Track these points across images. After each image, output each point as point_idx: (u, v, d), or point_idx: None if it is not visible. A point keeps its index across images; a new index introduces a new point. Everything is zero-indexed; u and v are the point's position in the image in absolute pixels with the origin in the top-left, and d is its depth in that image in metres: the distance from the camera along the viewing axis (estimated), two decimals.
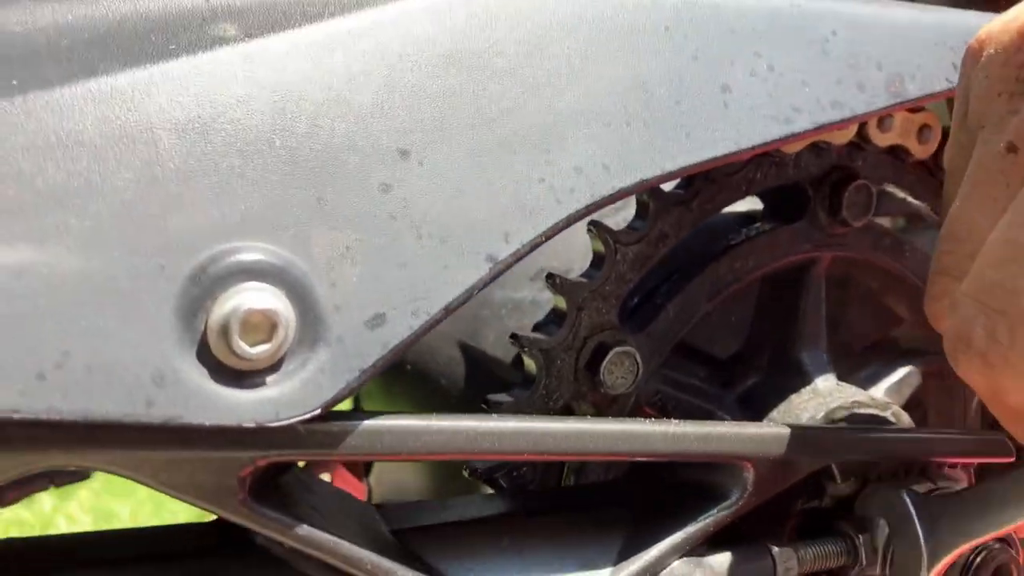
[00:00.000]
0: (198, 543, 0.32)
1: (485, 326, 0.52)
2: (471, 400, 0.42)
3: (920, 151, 0.47)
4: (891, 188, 0.49)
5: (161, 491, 0.27)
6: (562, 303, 0.40)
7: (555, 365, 0.40)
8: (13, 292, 0.24)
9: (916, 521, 0.38)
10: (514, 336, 0.40)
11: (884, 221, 0.58)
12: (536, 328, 0.42)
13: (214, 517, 0.32)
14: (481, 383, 0.50)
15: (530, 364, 0.40)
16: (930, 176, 0.49)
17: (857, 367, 0.51)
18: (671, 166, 0.34)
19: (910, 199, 0.50)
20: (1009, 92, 0.33)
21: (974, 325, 0.30)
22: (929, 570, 0.38)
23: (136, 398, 0.25)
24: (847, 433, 0.39)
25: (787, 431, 0.37)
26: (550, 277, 0.40)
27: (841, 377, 0.48)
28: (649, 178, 0.33)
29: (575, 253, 0.48)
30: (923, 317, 0.37)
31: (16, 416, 0.24)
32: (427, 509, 0.37)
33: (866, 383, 0.50)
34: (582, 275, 0.41)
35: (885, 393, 0.50)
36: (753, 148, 0.36)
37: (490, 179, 0.30)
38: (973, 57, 0.34)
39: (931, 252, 0.42)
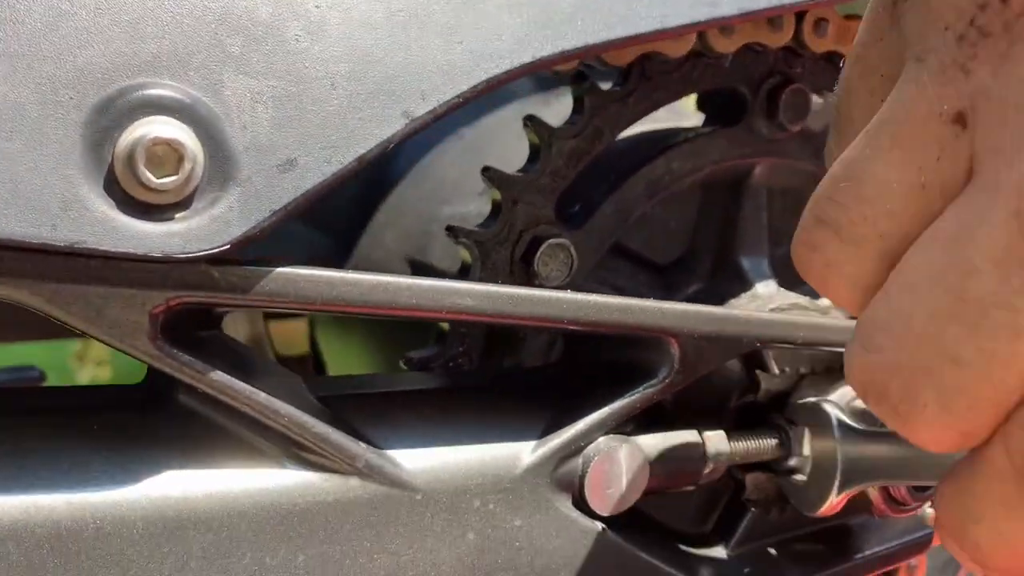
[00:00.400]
0: (120, 400, 0.32)
1: (433, 240, 0.52)
2: None
3: None
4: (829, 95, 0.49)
5: (72, 325, 0.27)
6: (497, 196, 0.41)
7: (490, 257, 0.41)
8: None
9: (838, 453, 0.39)
10: (449, 228, 0.41)
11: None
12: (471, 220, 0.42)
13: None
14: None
15: (465, 255, 0.41)
16: None
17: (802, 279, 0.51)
18: (593, 39, 0.34)
19: None
20: (958, 34, 0.24)
21: (887, 372, 0.25)
22: (837, 494, 0.39)
23: (42, 221, 0.25)
24: (775, 317, 0.40)
25: (715, 310, 0.38)
26: (487, 170, 0.41)
27: (784, 286, 0.49)
28: (570, 49, 0.34)
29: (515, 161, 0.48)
30: None
31: None
32: (353, 381, 0.37)
33: (811, 295, 0.51)
34: (519, 170, 0.42)
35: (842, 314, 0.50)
36: (678, 28, 0.36)
37: (408, 37, 0.31)
38: None
39: None
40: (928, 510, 0.43)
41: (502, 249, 0.41)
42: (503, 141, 0.56)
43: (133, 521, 0.29)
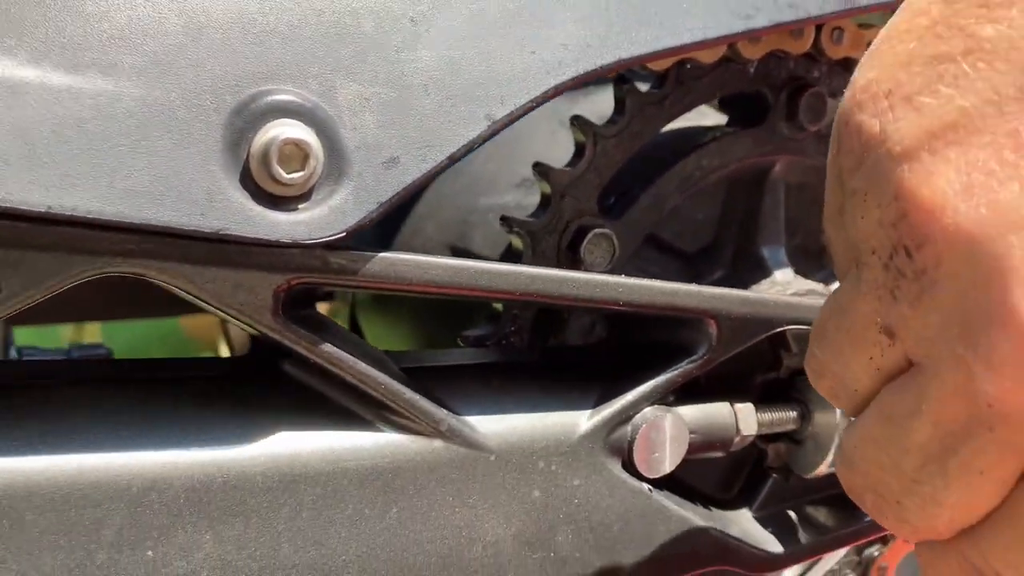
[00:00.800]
0: (233, 369, 0.36)
1: (473, 229, 0.56)
2: None
3: None
4: None
5: (206, 303, 0.31)
6: (547, 189, 0.45)
7: (540, 245, 0.45)
8: (90, 111, 0.28)
9: (838, 429, 0.43)
10: (504, 219, 0.45)
11: None
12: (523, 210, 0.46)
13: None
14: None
15: (517, 243, 0.45)
16: None
17: (815, 267, 0.56)
18: (645, 49, 0.38)
19: None
20: (883, 263, 0.27)
21: (862, 487, 0.31)
22: (829, 465, 0.44)
23: (192, 210, 0.29)
24: (798, 302, 0.44)
25: (748, 294, 0.42)
26: (538, 165, 0.45)
27: (800, 273, 0.53)
28: (626, 58, 0.38)
29: (559, 159, 0.52)
30: None
31: (91, 217, 0.28)
32: (429, 355, 0.41)
33: (824, 281, 0.55)
34: (566, 165, 0.46)
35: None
36: (717, 39, 0.40)
37: (489, 48, 0.35)
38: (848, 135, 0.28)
39: None
40: None
41: (550, 238, 0.45)
42: (534, 137, 0.60)
43: (254, 476, 0.33)
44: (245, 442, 0.33)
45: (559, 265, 0.45)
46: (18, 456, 0.30)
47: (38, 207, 0.27)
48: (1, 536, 0.29)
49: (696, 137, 0.50)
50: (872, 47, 0.28)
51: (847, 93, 0.28)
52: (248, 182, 0.30)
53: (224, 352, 0.85)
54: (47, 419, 0.31)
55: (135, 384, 0.34)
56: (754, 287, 0.51)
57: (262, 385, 0.35)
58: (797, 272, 0.53)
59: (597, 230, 0.45)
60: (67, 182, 0.27)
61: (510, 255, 0.46)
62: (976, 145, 0.25)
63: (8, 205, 0.27)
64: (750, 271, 0.52)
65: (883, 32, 0.28)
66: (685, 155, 0.49)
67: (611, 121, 0.46)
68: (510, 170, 0.45)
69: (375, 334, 0.63)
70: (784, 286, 0.51)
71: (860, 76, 0.28)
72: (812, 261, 0.56)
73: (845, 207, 0.29)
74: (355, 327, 0.66)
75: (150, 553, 0.31)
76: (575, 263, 0.45)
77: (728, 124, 0.52)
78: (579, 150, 0.46)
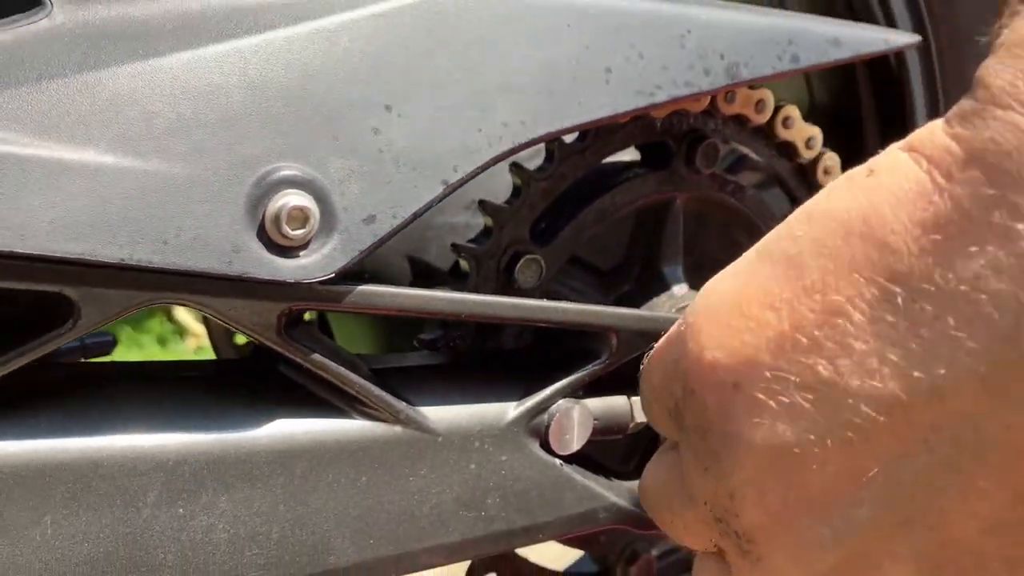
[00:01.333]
0: (238, 370, 0.46)
1: (429, 243, 0.67)
2: None
3: (757, 119, 0.63)
4: (739, 147, 0.65)
5: (228, 324, 0.41)
6: (489, 221, 0.55)
7: (482, 267, 0.55)
8: (151, 186, 0.38)
9: None
10: (454, 246, 0.55)
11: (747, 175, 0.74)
12: (470, 242, 0.57)
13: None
14: (425, 286, 0.65)
15: (464, 266, 0.55)
16: (766, 138, 0.65)
17: (707, 280, 0.67)
18: (568, 123, 0.49)
19: (752, 155, 0.67)
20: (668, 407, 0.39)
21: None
22: None
23: (223, 258, 0.39)
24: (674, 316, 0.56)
25: (641, 312, 0.54)
26: (482, 203, 0.56)
27: (694, 287, 0.65)
28: (553, 131, 0.48)
29: (499, 191, 0.63)
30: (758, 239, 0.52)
31: (148, 265, 0.38)
32: (392, 358, 0.52)
33: None
34: (504, 202, 0.56)
35: None
36: (626, 113, 0.51)
37: (446, 128, 0.45)
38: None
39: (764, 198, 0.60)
40: None
41: (491, 261, 0.56)
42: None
43: (258, 452, 0.43)
44: (251, 427, 0.43)
45: (497, 283, 0.56)
46: (88, 437, 0.40)
47: (113, 259, 0.37)
48: (75, 497, 0.39)
49: (613, 176, 0.61)
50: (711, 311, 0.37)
51: (692, 338, 0.36)
52: (263, 236, 0.40)
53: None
54: (107, 409, 0.41)
55: (168, 381, 0.44)
56: (655, 298, 0.63)
57: (264, 383, 0.46)
58: (691, 286, 0.64)
59: (528, 256, 0.56)
60: (134, 239, 0.37)
61: (458, 271, 0.56)
62: (800, 479, 0.32)
63: (92, 258, 0.36)
64: (652, 285, 0.63)
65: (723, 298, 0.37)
66: (602, 193, 0.60)
67: (541, 168, 0.57)
68: (461, 193, 0.55)
69: (343, 334, 0.73)
70: (679, 299, 0.62)
71: (704, 336, 0.36)
72: (705, 275, 0.67)
73: (681, 427, 0.37)
74: (324, 325, 0.76)
75: (181, 510, 0.42)
76: (510, 282, 0.56)
77: (640, 163, 0.63)
78: (516, 191, 0.56)
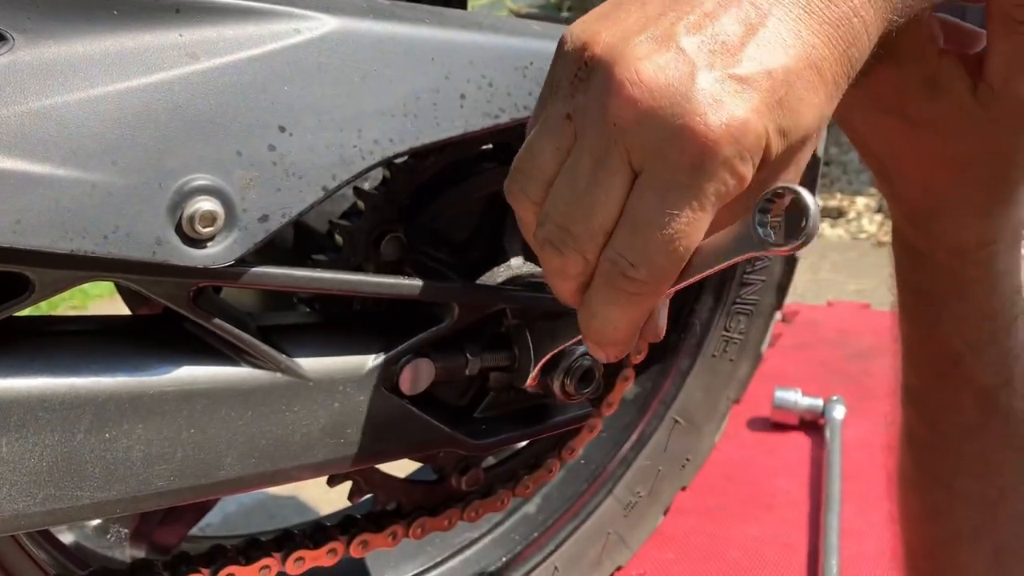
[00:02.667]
0: (149, 325, 0.59)
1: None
2: (301, 259, 0.69)
3: None
4: None
5: (152, 296, 0.53)
6: (361, 205, 0.68)
7: (355, 242, 0.68)
8: (95, 194, 0.49)
9: (528, 334, 0.70)
10: (331, 223, 0.68)
11: None
12: (345, 216, 0.69)
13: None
14: (304, 246, 0.77)
15: (339, 240, 0.68)
16: None
17: None
18: (428, 140, 0.61)
19: None
20: (570, 79, 0.45)
21: (550, 236, 0.46)
22: (534, 365, 0.70)
23: (149, 249, 0.51)
24: (512, 290, 0.70)
25: (479, 285, 0.68)
26: (356, 189, 0.68)
27: (530, 259, 0.79)
28: (415, 146, 0.61)
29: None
30: None
31: (92, 255, 0.49)
32: (276, 316, 0.65)
33: None
34: (374, 188, 0.69)
35: None
36: (476, 132, 0.64)
37: (328, 144, 0.57)
38: (561, 44, 0.46)
39: None
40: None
41: (362, 237, 0.68)
42: None
43: (167, 391, 0.56)
44: (163, 371, 0.56)
45: (366, 256, 0.69)
46: (35, 378, 0.51)
47: (65, 250, 0.48)
48: (24, 424, 0.51)
49: (466, 169, 0.74)
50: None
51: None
52: (180, 232, 0.52)
53: None
54: (51, 356, 0.53)
55: (99, 333, 0.56)
56: (497, 268, 0.77)
57: (172, 336, 0.58)
58: (526, 258, 0.79)
59: (392, 234, 0.69)
60: (81, 235, 0.49)
61: (333, 243, 0.69)
62: (623, 14, 0.44)
63: (48, 249, 0.48)
64: (496, 257, 0.78)
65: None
66: (460, 181, 0.73)
67: (405, 163, 0.69)
68: None
69: (229, 292, 0.84)
70: (516, 268, 0.77)
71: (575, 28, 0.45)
72: None
73: (553, 85, 0.46)
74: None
75: (107, 435, 0.54)
76: (378, 255, 0.69)
77: (490, 158, 0.76)
78: (384, 180, 0.69)
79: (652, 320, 0.52)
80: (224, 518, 1.33)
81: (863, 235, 2.98)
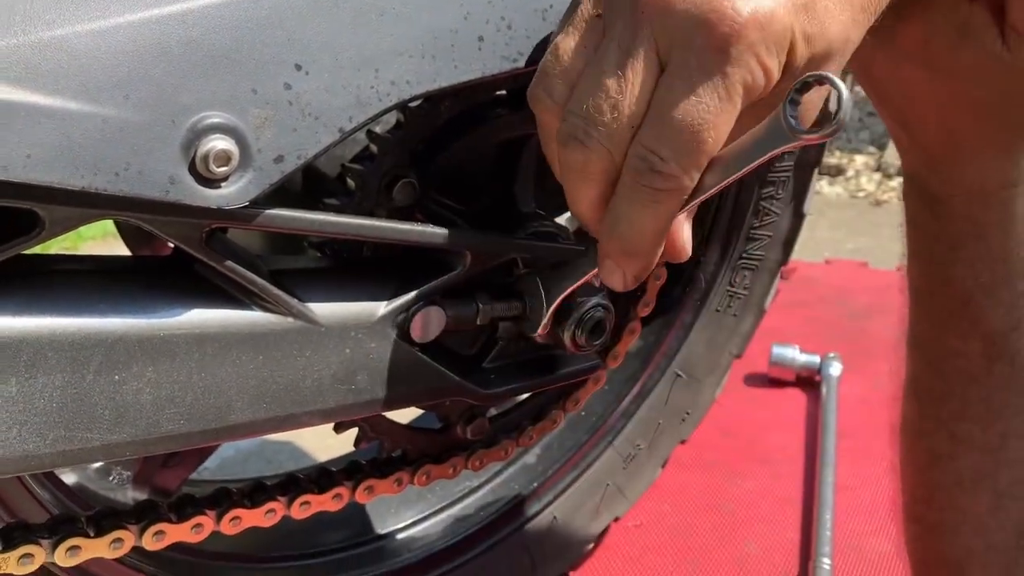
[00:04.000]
0: (160, 266, 0.57)
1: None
2: (310, 202, 0.68)
3: None
4: None
5: (165, 236, 0.52)
6: (374, 149, 0.67)
7: (367, 186, 0.67)
8: (107, 129, 0.47)
9: (539, 281, 0.69)
10: (343, 166, 0.67)
11: None
12: (357, 160, 0.68)
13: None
14: (313, 190, 0.75)
15: (351, 184, 0.67)
16: None
17: (553, 202, 0.81)
18: (445, 83, 0.60)
19: None
20: None
21: (574, 130, 0.47)
22: (547, 311, 0.69)
23: (162, 188, 0.49)
24: (521, 240, 0.69)
25: (490, 235, 0.67)
26: (369, 132, 0.66)
27: (541, 207, 0.78)
28: (432, 89, 0.59)
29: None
30: None
31: (104, 193, 0.48)
32: (287, 260, 0.64)
33: (556, 213, 0.80)
34: (387, 132, 0.67)
35: (567, 220, 0.81)
36: (494, 76, 0.62)
37: (343, 84, 0.55)
38: None
39: None
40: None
41: (374, 181, 0.67)
42: None
43: (178, 334, 0.55)
44: (174, 314, 0.55)
45: (378, 201, 0.67)
46: (46, 318, 0.50)
47: (76, 187, 0.47)
48: (34, 364, 0.50)
49: (482, 114, 0.72)
50: None
51: None
52: (194, 171, 0.51)
53: None
54: (61, 295, 0.52)
55: (111, 273, 0.55)
56: (508, 215, 0.76)
57: (183, 278, 0.57)
58: (536, 207, 0.78)
59: (405, 179, 0.68)
60: (93, 172, 0.47)
61: (345, 187, 0.68)
62: None
63: (60, 186, 0.46)
64: (507, 204, 0.76)
65: None
66: (474, 128, 0.71)
67: (420, 106, 0.68)
68: None
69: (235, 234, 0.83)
70: (526, 217, 0.76)
71: None
72: (551, 198, 0.81)
73: None
74: None
75: (116, 377, 0.53)
76: (390, 200, 0.67)
77: (505, 104, 0.75)
78: (398, 124, 0.67)
79: (678, 234, 0.52)
80: (221, 463, 1.33)
81: (861, 193, 2.97)
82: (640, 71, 0.45)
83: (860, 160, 3.30)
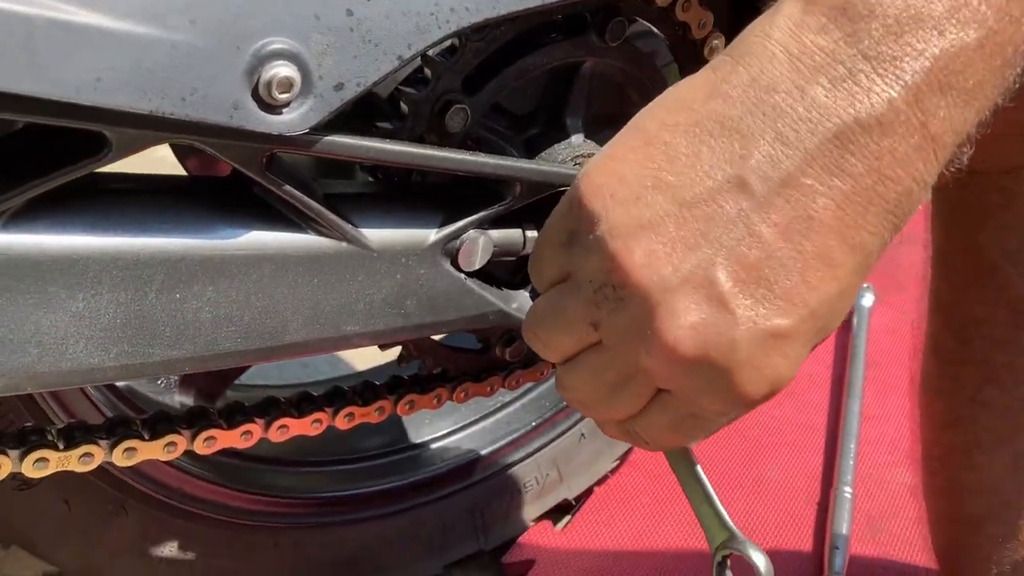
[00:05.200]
0: (222, 187, 0.58)
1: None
2: (364, 127, 0.68)
3: (660, 2, 0.74)
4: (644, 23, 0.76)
5: (227, 159, 0.53)
6: (428, 73, 0.66)
7: (419, 110, 0.67)
8: (174, 54, 0.47)
9: None
10: (397, 90, 0.66)
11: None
12: (410, 84, 0.68)
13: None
14: (368, 113, 0.75)
15: (404, 108, 0.67)
16: (667, 18, 0.76)
17: (603, 130, 0.80)
18: (505, 11, 0.59)
19: (655, 30, 0.78)
20: (594, 289, 0.47)
21: (570, 401, 0.56)
22: None
23: (226, 113, 0.50)
24: (569, 171, 0.69)
25: (542, 165, 0.67)
26: (424, 57, 0.66)
27: (591, 136, 0.78)
28: (492, 16, 0.59)
29: None
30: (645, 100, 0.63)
31: (170, 117, 0.48)
32: (340, 184, 0.65)
33: (605, 141, 0.80)
34: (440, 55, 0.67)
35: None
36: (554, 3, 0.62)
37: (403, 11, 0.55)
38: (576, 203, 0.49)
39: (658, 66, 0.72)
40: None
41: (426, 106, 0.67)
42: None
43: (237, 255, 0.56)
44: (233, 235, 0.56)
45: (430, 126, 0.67)
46: (112, 236, 0.52)
47: (144, 111, 0.47)
48: (100, 281, 0.52)
49: (535, 40, 0.71)
50: (605, 155, 0.48)
51: (585, 179, 0.48)
52: (256, 97, 0.51)
53: None
54: (126, 214, 0.53)
55: (172, 194, 0.56)
56: (557, 145, 0.76)
57: (242, 200, 0.58)
58: (587, 137, 0.77)
59: (457, 105, 0.67)
60: (160, 96, 0.48)
61: (397, 111, 0.68)
62: (657, 237, 0.44)
63: (128, 109, 0.47)
64: (556, 133, 0.76)
65: (609, 149, 0.49)
66: (526, 54, 0.71)
67: (476, 32, 0.67)
68: None
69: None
70: (576, 147, 0.76)
71: (593, 176, 0.48)
72: (600, 126, 0.80)
73: (572, 248, 0.48)
74: None
75: (177, 296, 0.55)
76: (442, 126, 0.68)
77: (559, 29, 0.74)
78: (452, 49, 0.67)
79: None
80: (258, 367, 1.36)
81: None
82: (637, 396, 0.49)
83: None
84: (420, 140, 0.67)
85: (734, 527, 0.54)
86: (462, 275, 0.67)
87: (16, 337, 0.50)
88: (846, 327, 1.57)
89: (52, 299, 0.51)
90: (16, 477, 0.64)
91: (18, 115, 0.45)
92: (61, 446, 0.64)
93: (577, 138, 0.76)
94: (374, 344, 0.66)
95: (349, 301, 0.61)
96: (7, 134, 0.53)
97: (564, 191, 0.70)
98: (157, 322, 0.55)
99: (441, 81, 0.67)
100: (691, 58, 0.80)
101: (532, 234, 0.70)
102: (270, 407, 0.75)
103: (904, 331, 1.58)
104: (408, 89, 0.67)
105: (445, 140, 0.68)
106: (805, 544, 1.11)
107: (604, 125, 0.81)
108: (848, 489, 1.16)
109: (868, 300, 1.59)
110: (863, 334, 1.52)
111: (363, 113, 0.76)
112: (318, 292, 0.60)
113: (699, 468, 0.58)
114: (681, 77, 0.65)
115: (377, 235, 0.62)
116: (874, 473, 1.23)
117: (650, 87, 0.79)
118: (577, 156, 0.74)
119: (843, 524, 1.10)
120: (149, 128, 0.49)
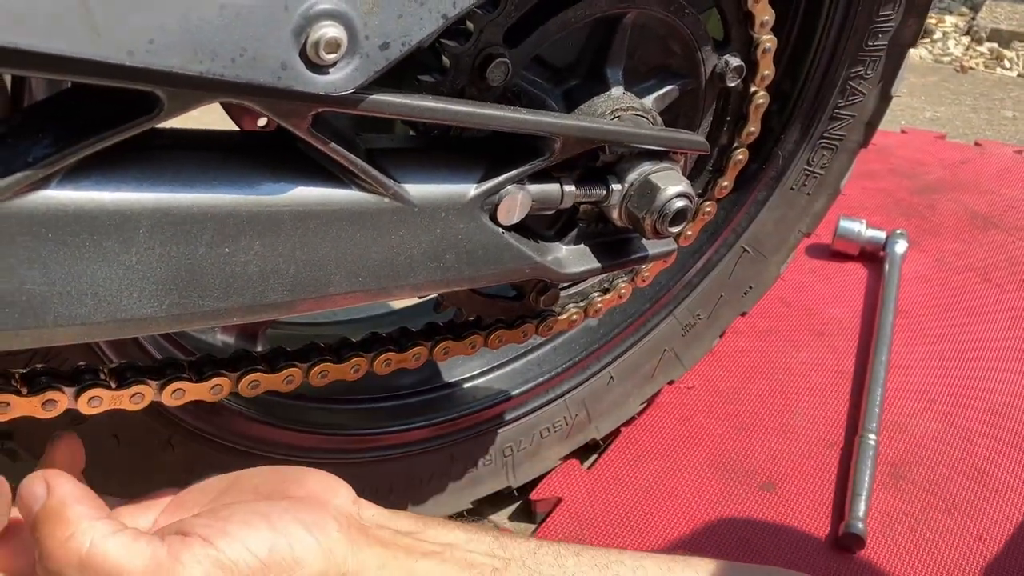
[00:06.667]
0: (267, 142, 0.59)
1: None
2: (407, 80, 0.68)
3: None
4: None
5: (275, 118, 0.54)
6: (471, 27, 0.66)
7: (461, 63, 0.67)
8: (225, 16, 0.48)
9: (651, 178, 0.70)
10: (439, 41, 0.67)
11: None
12: (452, 37, 0.68)
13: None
14: (412, 67, 0.75)
15: (445, 61, 0.67)
16: None
17: (642, 82, 0.80)
18: None
19: None
20: None
21: None
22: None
23: (275, 74, 0.51)
24: (612, 126, 0.70)
25: (581, 121, 0.67)
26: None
27: (629, 88, 0.78)
28: None
29: None
30: (689, 55, 0.63)
31: (220, 78, 0.49)
32: (383, 139, 0.65)
33: (643, 93, 0.80)
34: (483, 8, 0.67)
35: (653, 101, 0.80)
36: None
37: None
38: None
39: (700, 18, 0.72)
40: None
41: (468, 59, 0.67)
42: None
43: (283, 211, 0.57)
44: (279, 191, 0.57)
45: (471, 80, 0.68)
46: (163, 192, 0.53)
47: (195, 72, 0.48)
48: (152, 235, 0.53)
49: None
50: None
51: None
52: (304, 57, 0.52)
53: None
54: (178, 171, 0.54)
55: (219, 151, 0.57)
56: (595, 97, 0.76)
57: (286, 155, 0.59)
58: (626, 88, 0.77)
59: (499, 59, 0.68)
60: (211, 57, 0.48)
61: (439, 64, 0.68)
62: None
63: (181, 72, 0.48)
64: (595, 84, 0.76)
65: None
66: (567, 7, 0.70)
67: None
68: None
69: None
70: (615, 100, 0.76)
71: None
72: (639, 78, 0.80)
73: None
74: None
75: (226, 249, 0.56)
76: (483, 79, 0.68)
77: None
78: (494, 3, 0.67)
79: None
80: None
81: (947, 58, 2.82)
82: None
83: (950, 21, 3.12)
84: (460, 93, 0.68)
85: None
86: (500, 229, 0.68)
87: (73, 290, 0.52)
88: (878, 273, 1.57)
89: (107, 253, 0.52)
90: (69, 413, 0.66)
91: (78, 77, 0.46)
92: (113, 385, 0.67)
93: (617, 90, 0.76)
94: (414, 296, 0.67)
95: (390, 255, 0.63)
96: (60, 92, 0.54)
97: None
98: (206, 275, 0.56)
99: (483, 34, 0.67)
100: (734, 8, 0.79)
101: (570, 188, 0.71)
102: (311, 353, 0.77)
103: (936, 279, 1.58)
104: (450, 42, 0.67)
105: (485, 93, 0.69)
106: (827, 490, 1.14)
107: (648, 76, 0.81)
108: (872, 436, 1.17)
109: (901, 247, 1.59)
110: (895, 280, 1.52)
111: (403, 62, 0.77)
112: (360, 246, 0.61)
113: None
114: (721, 23, 0.64)
115: (418, 190, 0.63)
116: (899, 421, 1.24)
117: (693, 38, 0.78)
118: (616, 109, 0.74)
119: (866, 471, 1.12)
120: (200, 88, 0.50)
